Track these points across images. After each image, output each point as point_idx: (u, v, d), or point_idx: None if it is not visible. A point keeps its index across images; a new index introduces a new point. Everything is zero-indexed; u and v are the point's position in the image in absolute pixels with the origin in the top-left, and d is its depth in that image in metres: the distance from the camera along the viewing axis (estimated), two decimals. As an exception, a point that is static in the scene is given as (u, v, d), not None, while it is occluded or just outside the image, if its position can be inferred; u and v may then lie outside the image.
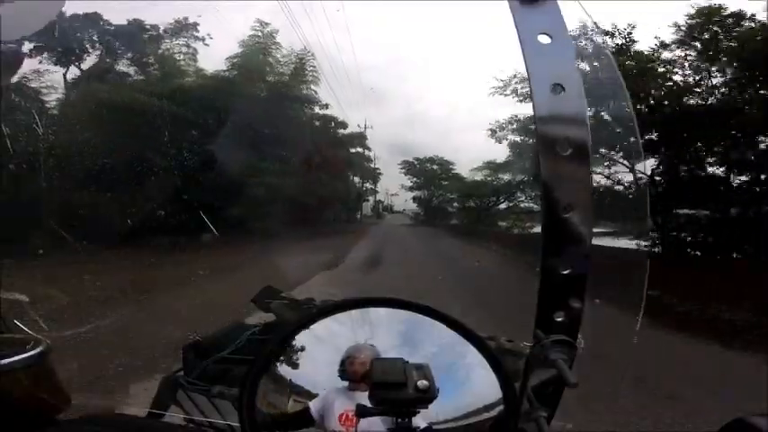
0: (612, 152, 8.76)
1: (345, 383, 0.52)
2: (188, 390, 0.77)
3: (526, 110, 10.77)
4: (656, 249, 8.48)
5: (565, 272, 0.50)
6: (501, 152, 15.11)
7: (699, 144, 8.38)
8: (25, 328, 0.60)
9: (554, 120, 0.49)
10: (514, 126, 11.86)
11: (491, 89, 11.01)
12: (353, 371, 0.52)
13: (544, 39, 0.50)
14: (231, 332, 0.88)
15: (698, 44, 8.15)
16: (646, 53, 8.56)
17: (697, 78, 8.38)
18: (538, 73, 0.50)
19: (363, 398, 0.50)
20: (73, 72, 9.92)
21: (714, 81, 8.25)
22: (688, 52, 8.32)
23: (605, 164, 9.00)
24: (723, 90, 8.19)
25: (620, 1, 8.70)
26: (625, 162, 8.74)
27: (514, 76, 10.23)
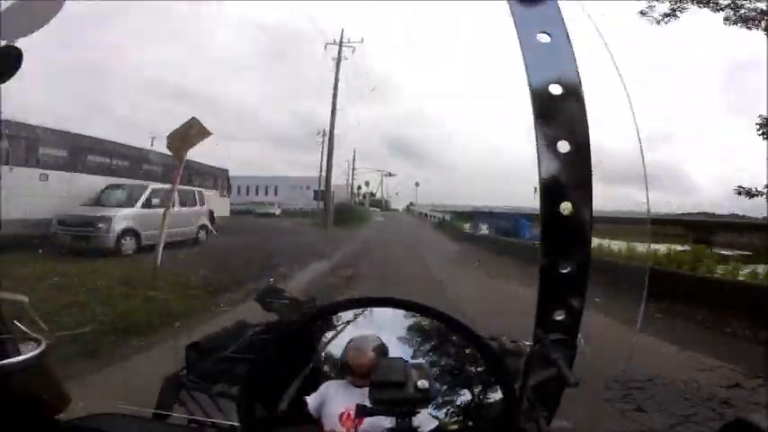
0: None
1: (346, 378, 0.52)
2: (190, 389, 0.78)
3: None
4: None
5: (564, 271, 0.50)
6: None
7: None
8: (25, 328, 0.60)
9: (553, 119, 0.49)
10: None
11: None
12: (358, 364, 0.52)
13: (543, 38, 0.50)
14: (233, 331, 0.88)
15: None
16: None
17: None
18: (537, 72, 0.50)
19: (363, 394, 0.50)
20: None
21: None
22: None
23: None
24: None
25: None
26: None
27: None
